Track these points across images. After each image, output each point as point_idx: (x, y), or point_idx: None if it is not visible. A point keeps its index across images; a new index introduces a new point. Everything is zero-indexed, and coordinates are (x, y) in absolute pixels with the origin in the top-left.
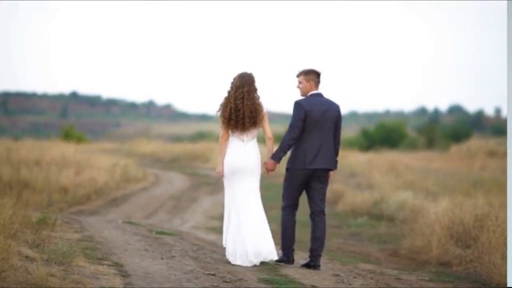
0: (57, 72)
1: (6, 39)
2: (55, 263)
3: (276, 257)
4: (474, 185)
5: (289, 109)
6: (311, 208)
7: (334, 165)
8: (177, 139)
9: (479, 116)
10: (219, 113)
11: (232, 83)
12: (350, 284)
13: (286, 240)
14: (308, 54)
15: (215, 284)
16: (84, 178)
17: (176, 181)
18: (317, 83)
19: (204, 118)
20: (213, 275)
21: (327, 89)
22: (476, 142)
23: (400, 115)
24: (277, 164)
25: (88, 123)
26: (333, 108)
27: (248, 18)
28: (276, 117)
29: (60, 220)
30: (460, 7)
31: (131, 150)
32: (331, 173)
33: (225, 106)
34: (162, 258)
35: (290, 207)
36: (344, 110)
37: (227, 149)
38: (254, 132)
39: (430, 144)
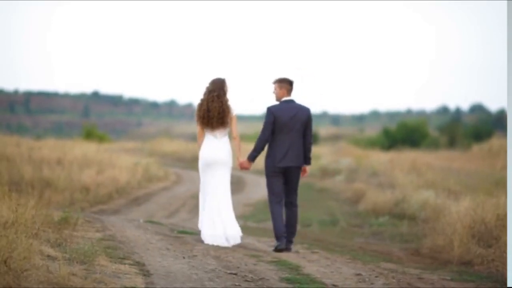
0: (79, 71)
1: (28, 38)
2: (76, 262)
3: (239, 241)
4: (496, 184)
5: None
6: (285, 199)
7: (302, 162)
8: None
9: (501, 115)
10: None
11: (207, 87)
12: (371, 283)
13: (275, 228)
14: (331, 54)
15: (236, 284)
16: (106, 178)
17: (198, 180)
18: (290, 90)
19: None
20: (235, 274)
21: (349, 89)
22: (498, 141)
23: (422, 114)
24: (252, 162)
25: (110, 122)
26: (302, 112)
27: (271, 19)
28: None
29: (82, 219)
30: (488, 7)
31: (152, 149)
32: (306, 168)
33: (200, 106)
34: (183, 257)
35: (273, 198)
36: (365, 109)
37: (202, 143)
38: (225, 130)
39: (451, 143)
